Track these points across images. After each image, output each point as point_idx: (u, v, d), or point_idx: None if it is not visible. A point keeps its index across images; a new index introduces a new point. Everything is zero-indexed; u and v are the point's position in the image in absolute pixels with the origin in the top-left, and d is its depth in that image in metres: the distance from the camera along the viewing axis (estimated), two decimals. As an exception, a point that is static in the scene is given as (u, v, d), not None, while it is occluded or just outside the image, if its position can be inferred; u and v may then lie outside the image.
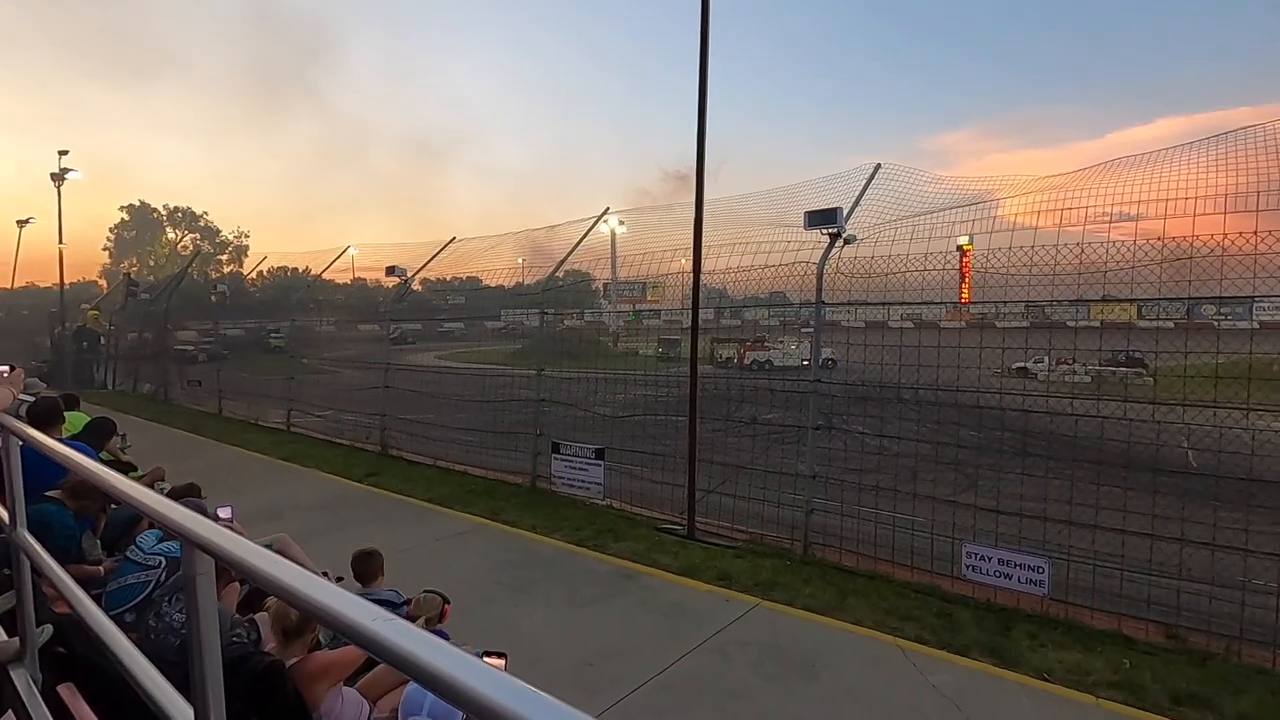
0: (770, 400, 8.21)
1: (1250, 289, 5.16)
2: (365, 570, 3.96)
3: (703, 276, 7.45)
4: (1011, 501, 5.77)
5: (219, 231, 69.44)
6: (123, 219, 67.46)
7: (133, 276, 26.38)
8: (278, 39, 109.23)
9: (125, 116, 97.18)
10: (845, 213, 6.42)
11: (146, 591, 3.44)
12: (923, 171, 7.23)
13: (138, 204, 67.59)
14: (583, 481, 8.22)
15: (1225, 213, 5.15)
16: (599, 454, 8.14)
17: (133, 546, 3.70)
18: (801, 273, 6.91)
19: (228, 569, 1.13)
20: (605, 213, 9.89)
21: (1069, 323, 6.84)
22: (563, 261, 9.47)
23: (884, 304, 7.04)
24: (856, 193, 6.80)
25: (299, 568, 0.92)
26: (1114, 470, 5.40)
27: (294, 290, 17.56)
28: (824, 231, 6.48)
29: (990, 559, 5.49)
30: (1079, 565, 5.33)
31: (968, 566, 5.60)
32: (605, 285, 12.77)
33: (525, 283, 11.32)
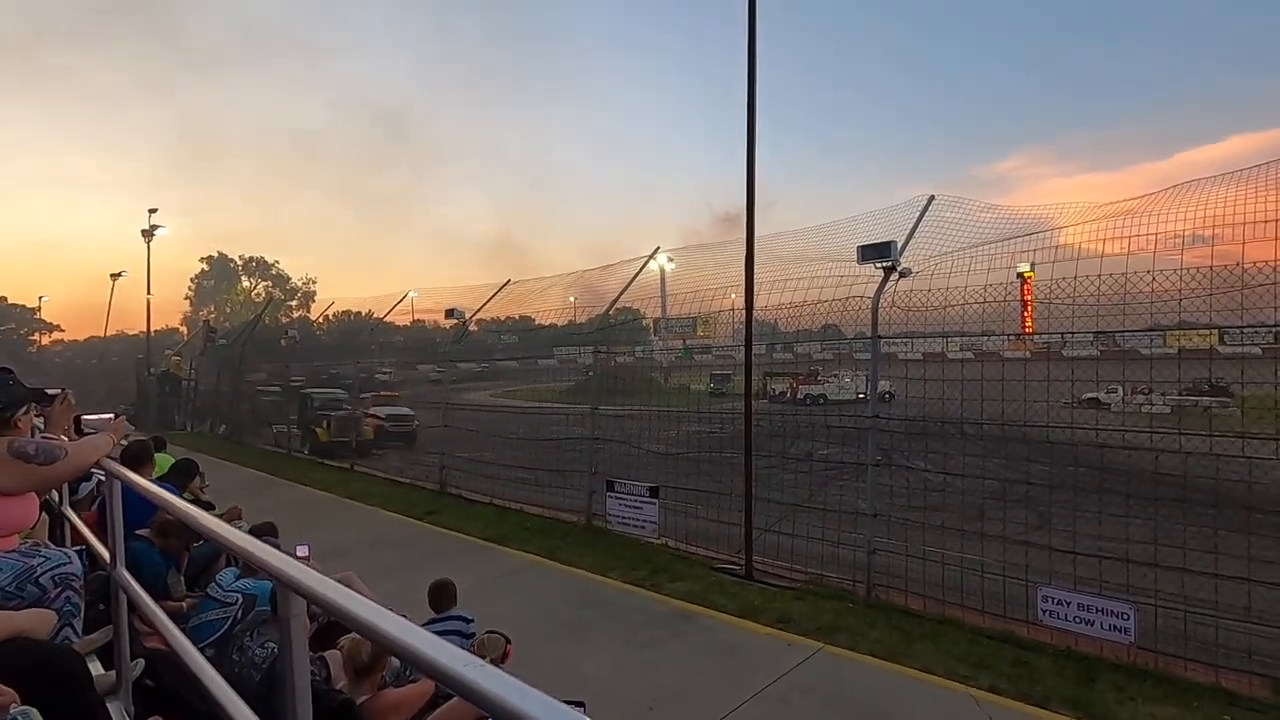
0: (826, 436, 8.07)
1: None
2: (440, 599, 4.11)
3: (754, 312, 7.46)
4: (1089, 542, 5.48)
5: (289, 279, 73.31)
6: (202, 269, 71.98)
7: (211, 323, 28.04)
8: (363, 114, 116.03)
9: (207, 174, 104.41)
10: (899, 246, 6.36)
11: (226, 627, 3.59)
12: (975, 201, 7.12)
13: (216, 255, 72.11)
14: (638, 520, 8.20)
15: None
16: (653, 492, 8.12)
17: (212, 584, 3.89)
18: (856, 307, 6.84)
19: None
20: (656, 252, 10.06)
21: (1143, 350, 6.52)
22: (616, 300, 9.65)
23: (943, 335, 6.89)
24: (910, 225, 6.74)
25: (395, 615, 0.98)
26: (1202, 509, 5.08)
27: (357, 334, 18.34)
28: (878, 265, 6.42)
29: (1069, 604, 5.19)
30: (1168, 611, 4.99)
31: (1044, 611, 5.31)
32: (656, 322, 12.89)
33: (577, 321, 11.55)
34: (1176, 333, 6.48)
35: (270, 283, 72.55)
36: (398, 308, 15.28)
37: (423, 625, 3.81)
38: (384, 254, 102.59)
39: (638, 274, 9.56)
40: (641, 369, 12.69)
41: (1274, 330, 6.11)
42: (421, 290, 15.44)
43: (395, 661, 3.21)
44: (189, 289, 72.09)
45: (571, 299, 11.98)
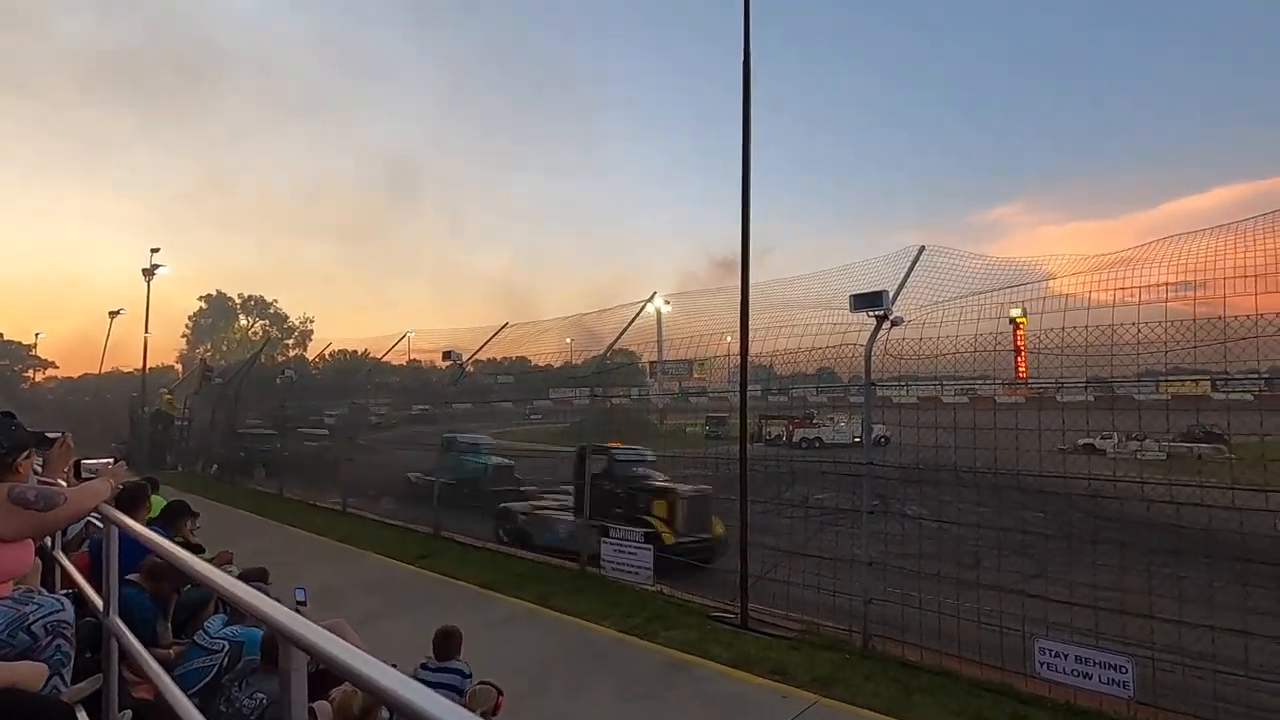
0: (822, 481, 8.07)
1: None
2: (446, 647, 4.10)
3: (749, 357, 7.55)
4: (1085, 591, 5.45)
5: (286, 318, 73.60)
6: (201, 307, 72.25)
7: (207, 361, 28.02)
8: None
9: (211, 215, 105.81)
10: (891, 295, 6.48)
11: (211, 676, 3.54)
12: (964, 251, 7.27)
13: (215, 293, 72.48)
14: (632, 566, 8.12)
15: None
16: (648, 538, 8.07)
17: (200, 631, 3.84)
18: (850, 354, 6.93)
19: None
20: (653, 296, 10.20)
21: (1136, 395, 6.59)
22: (614, 343, 9.74)
23: (937, 380, 6.97)
24: (902, 274, 6.88)
25: (394, 671, 1.01)
26: (1196, 559, 5.08)
27: (353, 373, 18.39)
28: (870, 314, 6.53)
29: (1066, 656, 5.14)
30: (1166, 664, 4.94)
31: (1041, 664, 5.25)
32: (652, 364, 12.97)
33: (574, 363, 11.63)
34: (1171, 379, 6.57)
35: (268, 321, 72.81)
36: (395, 349, 15.38)
37: (419, 667, 3.77)
38: (384, 296, 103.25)
39: (635, 317, 9.68)
40: (637, 411, 12.72)
41: (1264, 378, 6.22)
42: (419, 331, 15.55)
43: (385, 714, 3.17)
44: (186, 327, 72.27)
45: (568, 340, 12.10)
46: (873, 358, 6.59)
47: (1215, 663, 4.75)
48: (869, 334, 6.60)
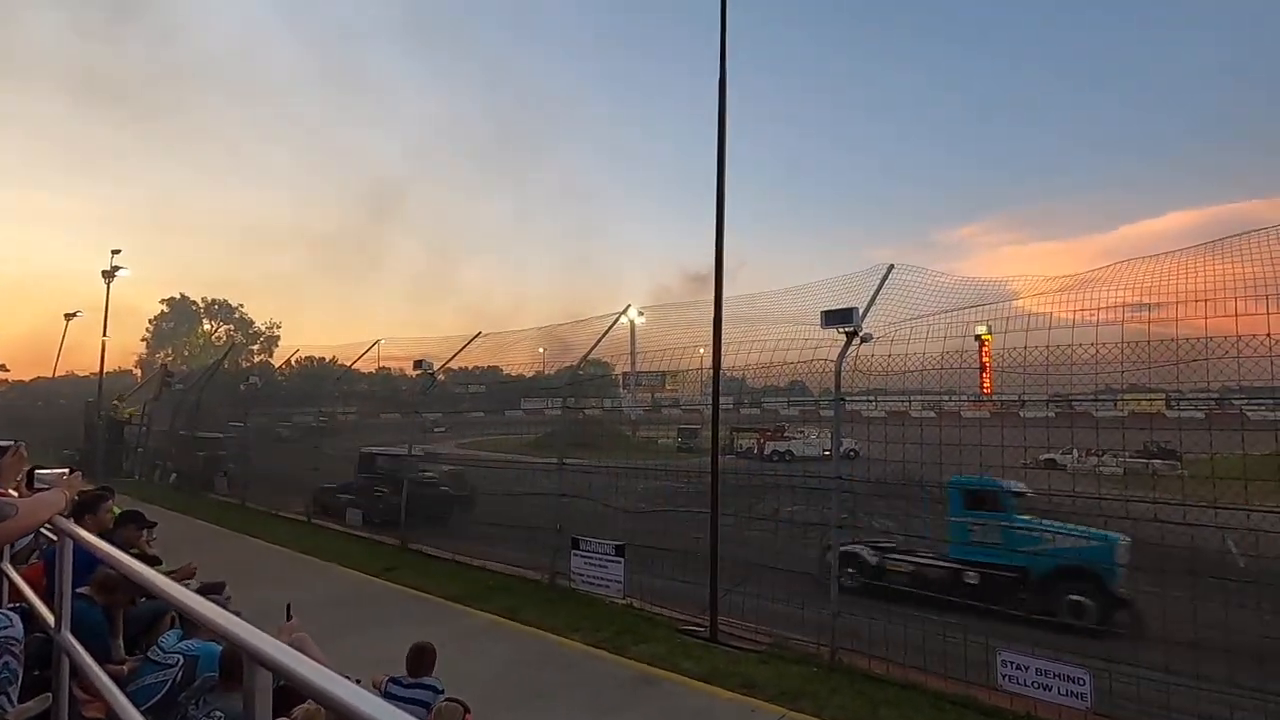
0: (792, 495, 8.14)
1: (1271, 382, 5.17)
2: (419, 663, 4.03)
3: (722, 370, 7.60)
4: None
5: (252, 323, 72.01)
6: (162, 310, 70.33)
7: (168, 366, 27.27)
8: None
9: (175, 218, 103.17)
10: (860, 312, 6.60)
11: (164, 692, 3.42)
12: (931, 270, 7.44)
13: (177, 296, 70.64)
14: (602, 579, 8.08)
15: (1237, 315, 5.22)
16: (619, 550, 8.04)
17: (154, 647, 3.72)
18: (820, 370, 7.03)
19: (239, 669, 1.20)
20: (627, 309, 10.23)
21: (1095, 412, 6.80)
22: (588, 354, 9.73)
23: (905, 395, 7.10)
24: (871, 291, 7.01)
25: (359, 689, 1.00)
26: (1151, 572, 5.24)
27: (321, 381, 18.05)
28: (841, 330, 6.64)
29: (1028, 668, 5.25)
30: (1122, 676, 5.08)
31: (1004, 676, 5.35)
32: (624, 376, 12.97)
33: (546, 373, 11.58)
34: (1128, 397, 6.79)
35: (233, 326, 71.19)
36: (365, 356, 15.16)
37: (390, 681, 3.69)
38: (356, 305, 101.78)
39: (609, 329, 9.69)
40: (610, 422, 12.71)
41: (1214, 397, 6.46)
42: (390, 339, 15.36)
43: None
44: (146, 331, 70.30)
45: (541, 350, 12.06)
46: (843, 373, 6.70)
47: (1168, 674, 4.89)
48: (839, 349, 6.71)
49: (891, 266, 7.12)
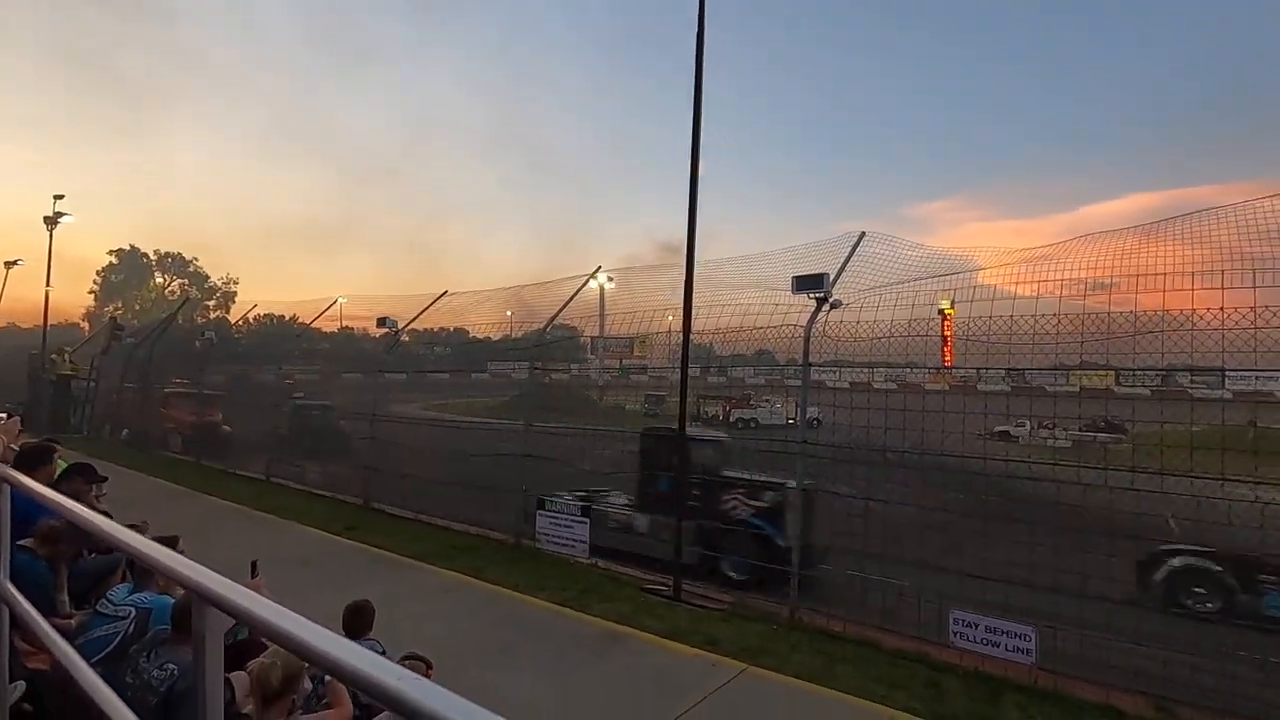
0: (757, 460, 8.23)
1: (1219, 361, 5.35)
2: (356, 623, 3.90)
3: (690, 335, 7.58)
4: (998, 567, 5.78)
5: (208, 278, 69.49)
6: (110, 262, 67.34)
7: (118, 320, 26.19)
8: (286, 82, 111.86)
9: (121, 159, 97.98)
10: (831, 278, 6.62)
11: (114, 644, 3.33)
12: (904, 240, 7.50)
13: (128, 248, 67.64)
14: (568, 539, 8.11)
15: (1194, 289, 5.37)
16: (584, 511, 8.07)
17: (103, 600, 3.61)
18: (789, 335, 7.06)
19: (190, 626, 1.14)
20: (597, 270, 10.10)
21: (1048, 387, 7.00)
22: (555, 316, 9.61)
23: (869, 366, 7.18)
24: (842, 258, 7.03)
25: (322, 628, 0.95)
26: (1097, 537, 5.45)
27: (281, 338, 17.56)
28: (811, 296, 6.66)
29: (977, 626, 5.46)
30: (1065, 633, 5.31)
31: (955, 633, 5.56)
32: (593, 340, 12.87)
33: (513, 336, 11.43)
34: (1079, 372, 7.00)
35: (187, 280, 68.62)
36: (326, 314, 14.76)
37: None
38: (321, 266, 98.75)
39: (578, 291, 9.57)
40: (577, 387, 12.66)
41: (1162, 373, 6.70)
42: (352, 297, 14.96)
43: (308, 685, 3.06)
44: (95, 283, 67.33)
45: (509, 314, 11.87)
46: (811, 339, 6.73)
47: (1107, 632, 5.13)
48: (809, 315, 6.73)
49: (863, 234, 7.14)
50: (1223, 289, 5.22)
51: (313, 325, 14.89)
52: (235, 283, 69.47)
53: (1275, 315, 4.97)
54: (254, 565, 4.51)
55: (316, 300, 14.81)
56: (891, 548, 6.49)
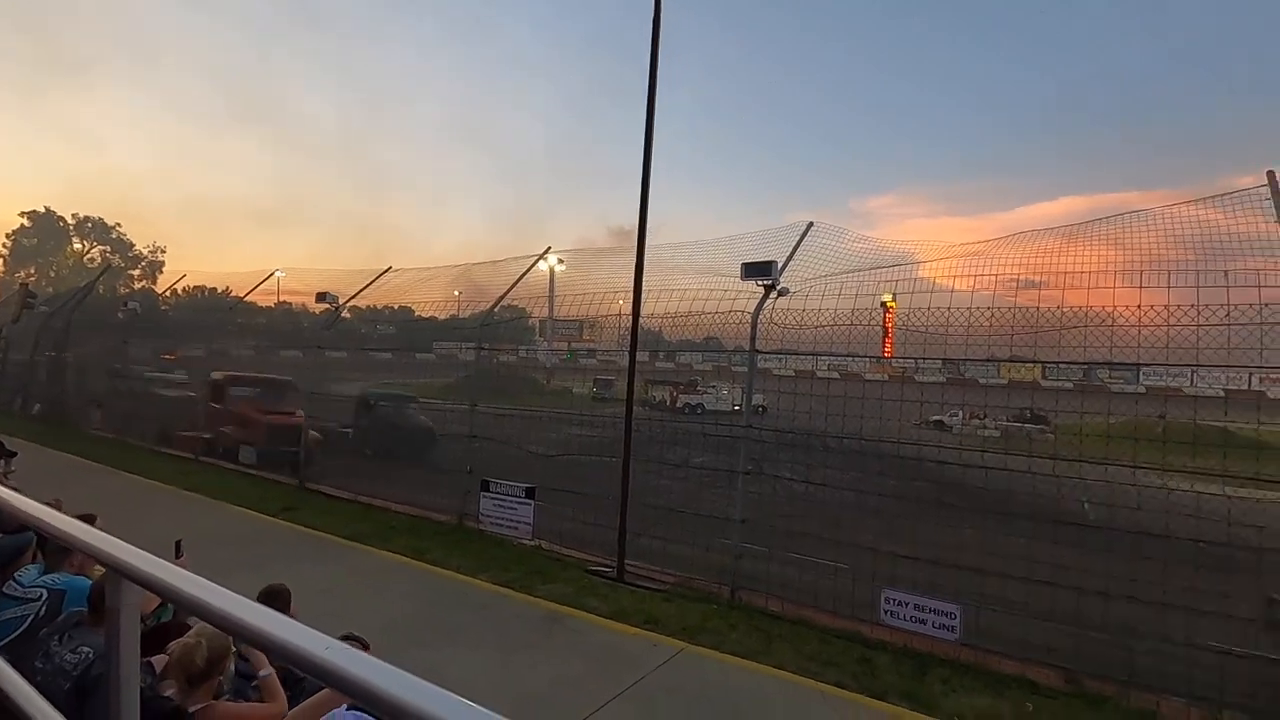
0: (702, 444, 8.33)
1: (1136, 356, 5.69)
2: (271, 608, 3.75)
3: (640, 320, 7.58)
4: (929, 549, 6.03)
5: (132, 245, 65.55)
6: (22, 224, 62.74)
7: (29, 286, 24.47)
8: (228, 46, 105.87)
9: (37, 117, 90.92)
10: (780, 266, 6.72)
11: (24, 627, 3.16)
12: (851, 231, 7.66)
13: (42, 210, 63.11)
14: (512, 521, 8.06)
15: (1114, 287, 5.67)
16: (529, 493, 8.02)
17: (10, 582, 3.41)
18: (736, 321, 7.15)
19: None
20: (546, 251, 9.98)
21: (981, 380, 7.33)
22: (503, 297, 9.46)
23: (814, 354, 7.34)
24: (790, 247, 7.14)
25: (244, 599, 0.91)
26: (1020, 521, 5.75)
27: (213, 312, 16.75)
28: (759, 283, 6.75)
29: (907, 604, 5.69)
30: (988, 612, 5.59)
31: (886, 612, 5.79)
32: (542, 322, 12.73)
33: (461, 315, 11.20)
34: (1008, 365, 7.35)
35: (109, 248, 64.59)
36: (262, 287, 14.12)
37: None
38: (256, 234, 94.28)
39: (527, 271, 9.44)
40: (525, 369, 12.53)
41: (1084, 368, 7.10)
42: (290, 269, 14.36)
43: (234, 668, 2.96)
44: (3, 246, 62.69)
45: (456, 293, 11.61)
46: (758, 325, 6.84)
47: (1026, 611, 5.43)
48: (756, 302, 6.83)
49: (811, 224, 7.27)
50: (1140, 288, 5.52)
51: (247, 299, 14.24)
52: (162, 251, 65.80)
53: (1185, 314, 5.29)
54: (178, 545, 4.32)
55: (252, 273, 14.14)
56: (829, 530, 6.70)
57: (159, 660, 2.87)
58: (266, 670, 2.85)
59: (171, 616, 3.45)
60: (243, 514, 8.92)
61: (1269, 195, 5.43)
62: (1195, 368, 5.82)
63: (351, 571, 6.87)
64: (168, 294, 21.96)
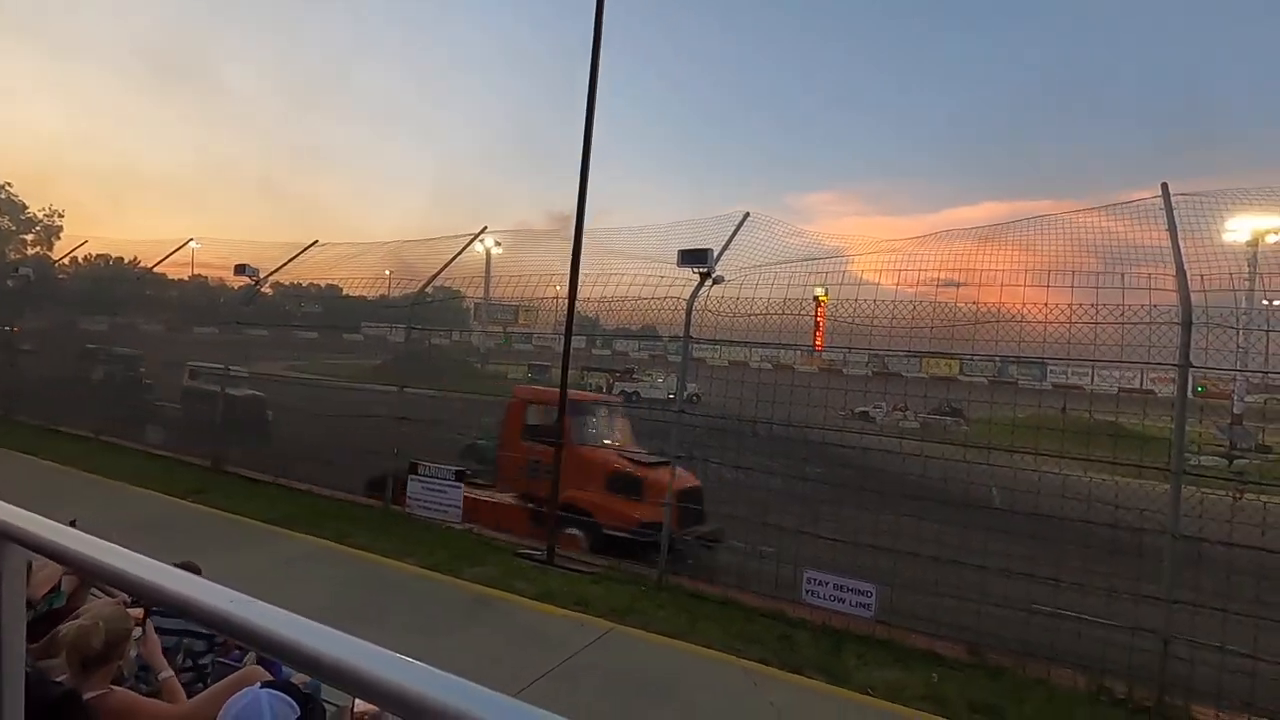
0: (637, 429, 8.40)
1: (1042, 352, 6.08)
2: None
3: (577, 306, 7.55)
4: (849, 532, 6.29)
5: (25, 207, 60.16)
6: (-106, 181, 56.62)
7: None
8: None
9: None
10: (715, 254, 6.81)
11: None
12: (786, 224, 7.86)
13: (-83, 166, 57.09)
14: (440, 504, 7.92)
15: (1024, 285, 6.04)
16: (459, 476, 7.90)
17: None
18: (672, 307, 7.21)
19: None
20: (483, 231, 9.78)
21: (904, 374, 7.68)
22: (435, 276, 9.21)
23: (746, 344, 7.50)
24: (726, 236, 7.25)
25: (138, 555, 0.87)
26: (933, 506, 6.07)
27: (119, 283, 15.62)
28: (695, 270, 6.83)
29: (826, 584, 5.94)
30: (901, 590, 5.90)
31: (807, 591, 6.01)
32: (477, 305, 12.48)
33: (391, 295, 10.85)
34: (929, 360, 7.72)
35: (-2, 209, 59.11)
36: (177, 260, 13.24)
37: (152, 614, 3.18)
38: (173, 205, 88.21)
39: (462, 250, 9.22)
40: (459, 353, 12.27)
41: (997, 363, 7.54)
42: (206, 240, 13.53)
43: (134, 653, 2.80)
44: None
45: (387, 272, 11.23)
46: (693, 313, 6.93)
47: (936, 588, 5.76)
48: (692, 289, 6.91)
49: (747, 214, 7.40)
50: (1047, 288, 5.90)
51: (156, 269, 13.32)
52: (60, 215, 60.63)
53: (1085, 313, 5.69)
54: (72, 525, 3.99)
55: (164, 242, 13.22)
56: (758, 514, 6.89)
57: (42, 647, 2.69)
58: (167, 673, 2.71)
59: (65, 602, 3.23)
60: (147, 496, 8.40)
61: (1163, 206, 5.89)
62: (1094, 363, 6.28)
63: (270, 556, 6.61)
64: (67, 262, 20.33)
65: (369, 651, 0.64)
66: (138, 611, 2.85)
